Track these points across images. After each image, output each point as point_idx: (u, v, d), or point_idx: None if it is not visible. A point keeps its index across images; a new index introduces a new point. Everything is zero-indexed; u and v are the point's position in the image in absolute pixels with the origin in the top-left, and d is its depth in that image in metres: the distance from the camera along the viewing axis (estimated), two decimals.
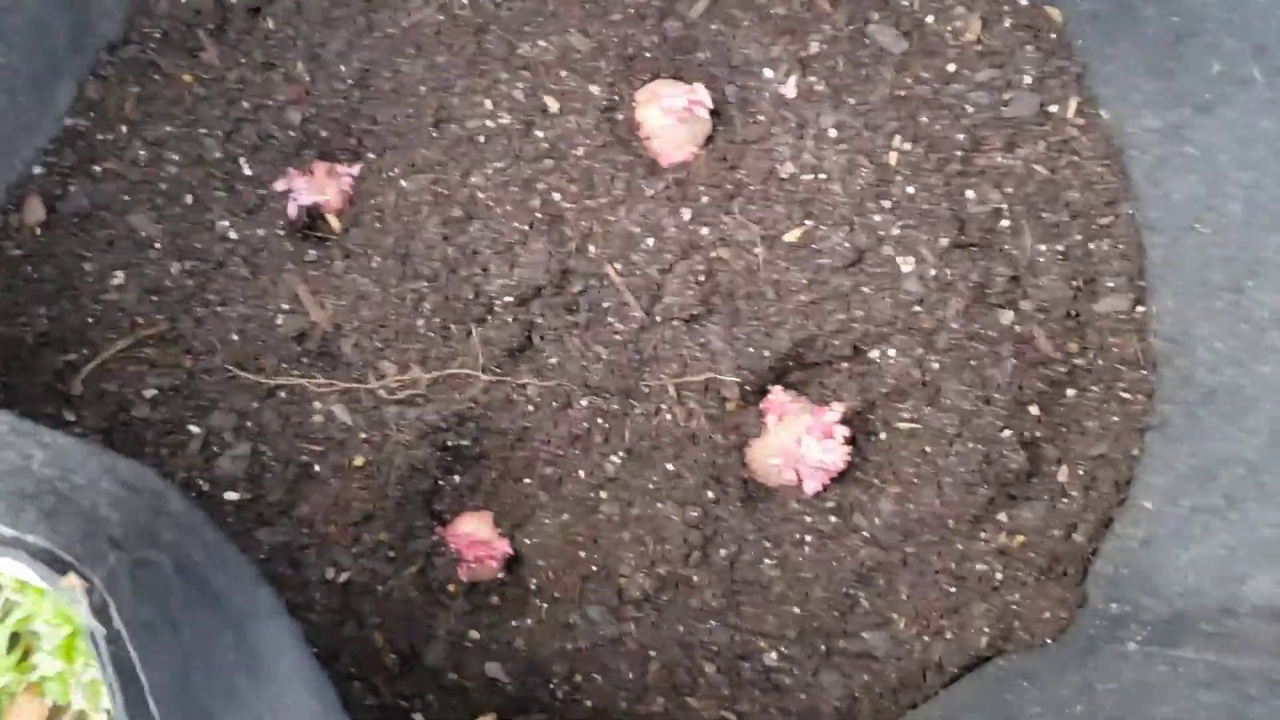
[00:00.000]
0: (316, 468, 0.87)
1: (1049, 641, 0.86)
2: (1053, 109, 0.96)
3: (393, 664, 0.85)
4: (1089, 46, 0.94)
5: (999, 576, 0.89)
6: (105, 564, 0.41)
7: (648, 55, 0.95)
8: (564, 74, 0.93)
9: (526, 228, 0.89)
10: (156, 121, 0.90)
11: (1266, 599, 0.70)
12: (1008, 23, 0.96)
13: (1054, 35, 0.96)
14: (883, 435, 0.92)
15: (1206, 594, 0.75)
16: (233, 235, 0.89)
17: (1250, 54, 0.80)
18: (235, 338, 0.88)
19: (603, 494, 0.89)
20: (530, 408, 0.88)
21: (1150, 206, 0.93)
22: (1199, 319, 0.89)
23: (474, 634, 0.87)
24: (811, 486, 0.90)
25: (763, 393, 0.92)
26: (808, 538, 0.90)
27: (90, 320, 0.86)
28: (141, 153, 0.89)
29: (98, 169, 0.88)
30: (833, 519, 0.91)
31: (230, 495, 0.86)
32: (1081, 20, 0.93)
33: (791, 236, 0.92)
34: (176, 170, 0.90)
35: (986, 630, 0.87)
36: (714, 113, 0.94)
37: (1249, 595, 0.71)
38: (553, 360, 0.89)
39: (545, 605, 0.88)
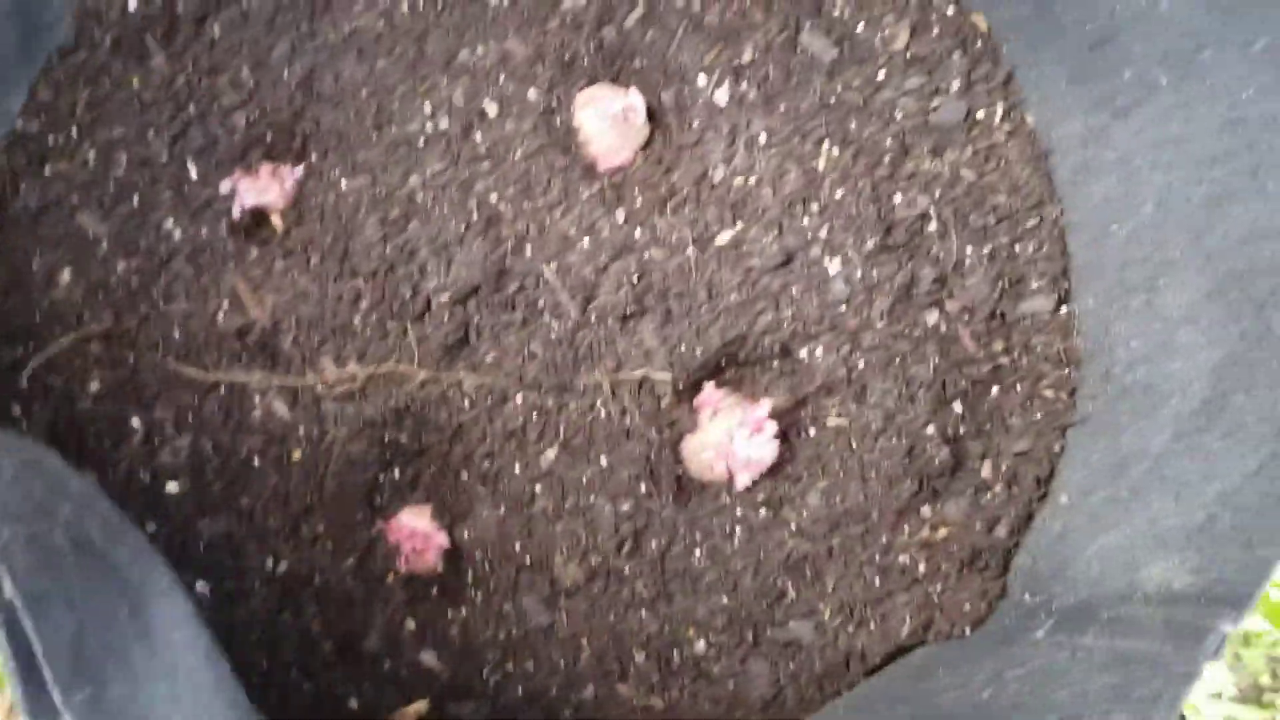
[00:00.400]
0: (256, 461, 0.90)
1: (969, 631, 0.88)
2: (980, 114, 0.99)
3: (330, 652, 0.88)
4: (1014, 53, 0.97)
5: (922, 569, 0.92)
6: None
7: (585, 61, 0.97)
8: (502, 79, 0.96)
9: (464, 228, 0.92)
10: (105, 124, 0.93)
11: (1157, 585, 0.72)
12: (935, 31, 0.98)
13: (980, 43, 0.98)
14: (812, 431, 0.95)
15: (1109, 582, 0.77)
16: (178, 235, 0.92)
17: (1157, 60, 0.83)
18: (178, 334, 0.90)
19: (538, 488, 0.91)
20: (467, 404, 0.91)
21: (1073, 209, 0.96)
22: (1117, 318, 0.92)
23: (410, 624, 0.90)
24: (743, 480, 0.92)
25: (697, 389, 0.95)
26: (738, 530, 0.93)
27: (38, 317, 0.88)
28: (91, 155, 0.92)
29: (48, 170, 0.90)
30: (763, 512, 0.93)
31: (171, 487, 0.88)
32: (1006, 27, 0.96)
33: (723, 239, 0.95)
34: (124, 172, 0.92)
35: (909, 620, 0.89)
36: (651, 118, 0.97)
37: (1142, 582, 0.73)
38: (489, 357, 0.92)
39: (480, 595, 0.90)
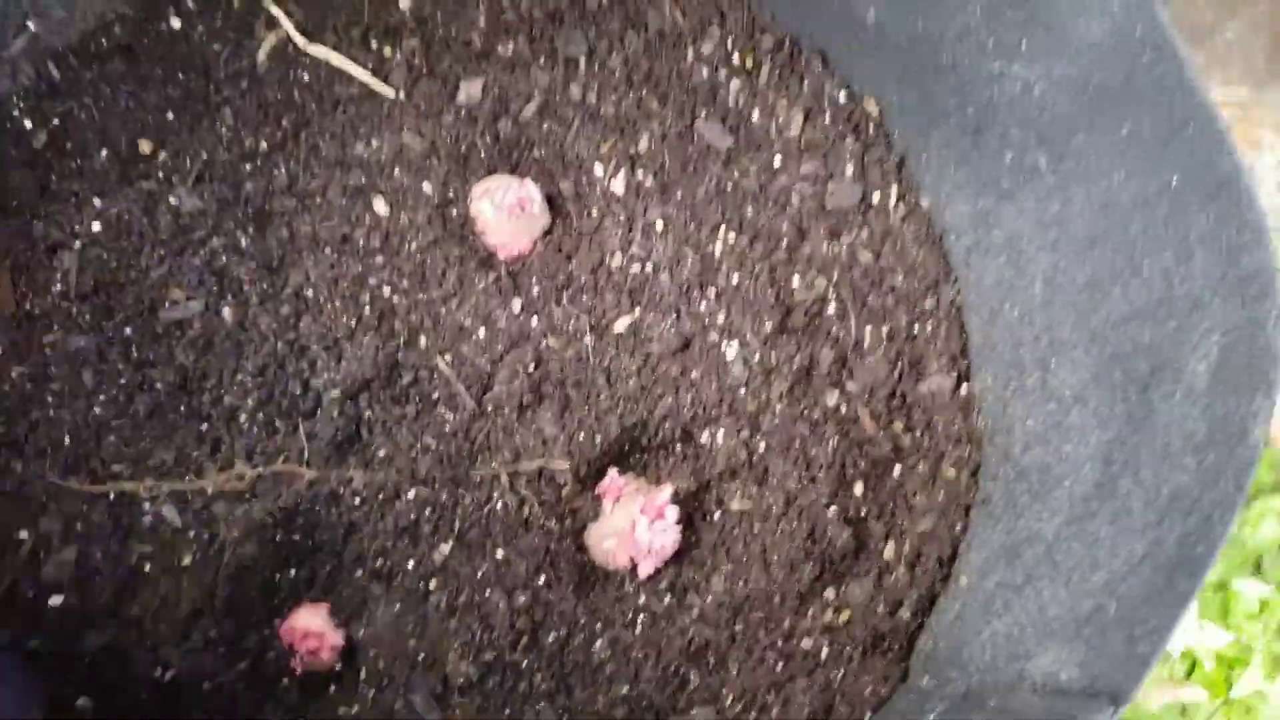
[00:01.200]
0: (147, 568, 0.88)
1: (869, 716, 0.87)
2: (875, 198, 0.99)
3: None
4: (905, 138, 0.98)
5: (825, 653, 0.91)
6: None
7: (482, 153, 0.98)
8: (397, 172, 0.96)
9: (355, 323, 0.91)
10: None
11: (1044, 676, 0.71)
12: (828, 117, 0.99)
13: (872, 128, 0.99)
14: (716, 515, 0.94)
15: (999, 670, 0.76)
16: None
17: (1034, 144, 0.84)
18: (68, 441, 0.89)
19: (432, 583, 0.89)
20: (358, 500, 0.90)
21: (969, 289, 0.97)
22: (1014, 398, 0.92)
23: None
24: (646, 568, 0.91)
25: (599, 476, 0.94)
26: (640, 618, 0.91)
27: None
28: None
29: None
30: (666, 599, 0.92)
31: (55, 600, 0.86)
32: (896, 113, 0.97)
33: (621, 325, 0.95)
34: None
35: (809, 706, 0.88)
36: (551, 206, 0.97)
37: (1031, 672, 0.73)
38: (381, 452, 0.91)
39: (373, 694, 0.88)
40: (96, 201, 0.93)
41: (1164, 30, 0.69)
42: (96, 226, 0.92)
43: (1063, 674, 0.70)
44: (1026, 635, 0.76)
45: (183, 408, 0.90)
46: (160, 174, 0.94)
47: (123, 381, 0.90)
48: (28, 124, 0.94)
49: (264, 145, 0.96)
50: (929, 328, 0.98)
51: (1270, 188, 1.35)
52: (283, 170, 0.95)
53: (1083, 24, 0.73)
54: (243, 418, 0.89)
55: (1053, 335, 0.87)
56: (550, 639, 0.89)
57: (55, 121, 0.95)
